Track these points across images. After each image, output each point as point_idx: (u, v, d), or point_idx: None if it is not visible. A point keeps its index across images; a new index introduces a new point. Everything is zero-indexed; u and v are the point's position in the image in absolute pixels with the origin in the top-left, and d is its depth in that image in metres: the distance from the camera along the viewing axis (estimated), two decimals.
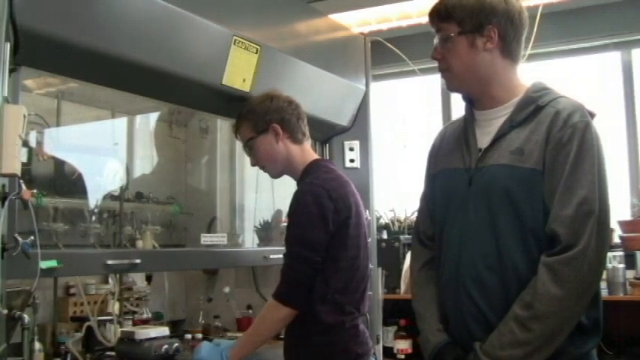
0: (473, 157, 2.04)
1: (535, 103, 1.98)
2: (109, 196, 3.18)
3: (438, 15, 2.05)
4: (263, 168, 2.71)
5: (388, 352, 4.26)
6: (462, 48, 2.01)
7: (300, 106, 2.69)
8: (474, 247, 1.96)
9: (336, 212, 2.44)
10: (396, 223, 4.77)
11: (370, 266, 2.65)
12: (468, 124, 2.12)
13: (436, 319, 2.07)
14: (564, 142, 1.88)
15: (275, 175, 2.72)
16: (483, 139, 2.05)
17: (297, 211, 2.47)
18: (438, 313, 2.08)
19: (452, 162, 2.11)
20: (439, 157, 2.20)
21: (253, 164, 2.72)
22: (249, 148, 2.67)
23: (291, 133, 2.63)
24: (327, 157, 3.67)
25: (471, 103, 2.13)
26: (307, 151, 2.68)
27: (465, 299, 1.96)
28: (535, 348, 1.82)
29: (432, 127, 4.79)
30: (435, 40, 2.07)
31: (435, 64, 2.10)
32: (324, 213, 2.42)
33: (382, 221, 4.77)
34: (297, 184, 2.62)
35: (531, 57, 4.07)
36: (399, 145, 5.13)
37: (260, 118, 2.62)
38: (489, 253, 1.93)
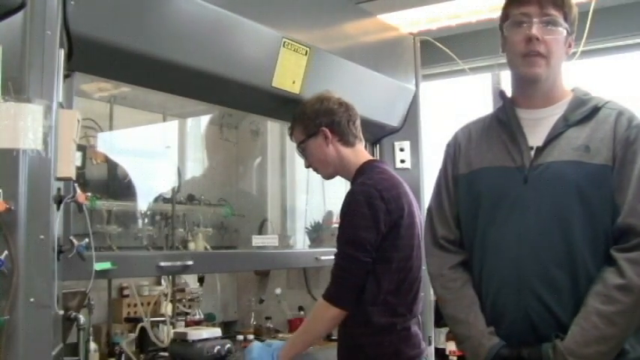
0: (525, 155, 2.02)
1: (591, 104, 2.01)
2: (161, 199, 3.22)
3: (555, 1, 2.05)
4: (315, 170, 2.73)
5: (440, 353, 4.22)
6: (562, 42, 2.05)
7: (353, 108, 2.68)
8: (539, 246, 1.94)
9: (387, 213, 2.43)
10: None
11: (422, 267, 2.63)
12: (512, 122, 2.09)
13: (483, 322, 2.02)
14: (631, 140, 1.93)
15: (326, 176, 2.73)
16: (534, 138, 2.04)
17: (349, 211, 2.47)
18: (483, 316, 2.03)
19: (494, 161, 2.08)
20: (471, 157, 2.15)
21: (307, 166, 2.75)
22: (301, 150, 2.70)
23: (342, 136, 2.62)
24: (378, 158, 3.66)
25: (512, 102, 2.14)
26: (360, 153, 2.67)
27: (530, 299, 1.93)
28: (617, 342, 1.84)
29: None
30: (535, 21, 2.01)
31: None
32: (376, 213, 2.41)
33: None
34: (351, 185, 2.61)
35: (585, 53, 3.99)
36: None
37: (310, 122, 2.63)
38: (558, 250, 1.92)
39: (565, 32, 2.03)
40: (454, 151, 2.22)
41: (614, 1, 4.03)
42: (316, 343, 2.58)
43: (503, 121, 2.12)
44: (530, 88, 2.09)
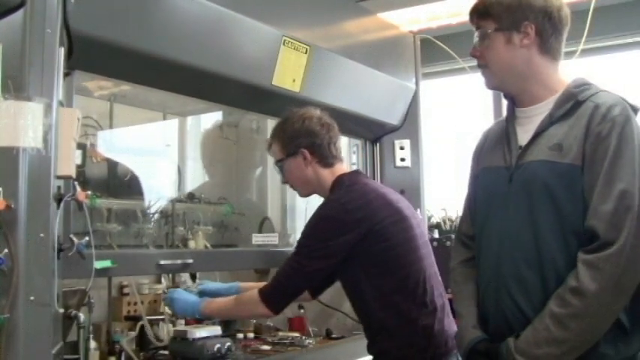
0: (513, 154, 2.03)
1: (575, 99, 1.96)
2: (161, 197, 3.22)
3: (477, 13, 2.09)
4: (292, 188, 2.73)
5: None
6: (499, 44, 2.03)
7: (334, 127, 2.64)
8: (513, 245, 1.96)
9: (355, 223, 2.40)
10: (448, 222, 4.72)
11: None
12: (509, 121, 2.11)
13: (473, 316, 2.06)
14: (603, 136, 1.85)
15: (304, 195, 2.74)
16: (524, 137, 2.04)
17: (310, 224, 2.50)
18: (477, 311, 2.07)
19: (493, 160, 2.11)
20: (481, 157, 2.20)
21: (283, 182, 2.74)
22: (279, 167, 2.67)
23: (321, 158, 2.59)
24: (377, 157, 3.69)
25: (513, 101, 2.13)
26: (337, 172, 2.63)
27: (505, 298, 1.96)
28: (572, 346, 1.81)
29: (484, 125, 4.72)
30: (475, 38, 2.09)
31: None
32: (339, 226, 2.41)
33: (433, 220, 4.72)
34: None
35: (585, 52, 3.99)
36: (449, 143, 5.08)
37: (290, 141, 2.59)
38: (528, 250, 1.92)
39: (496, 34, 2.02)
40: (475, 151, 2.28)
41: None
42: None
43: (506, 120, 2.15)
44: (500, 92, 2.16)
